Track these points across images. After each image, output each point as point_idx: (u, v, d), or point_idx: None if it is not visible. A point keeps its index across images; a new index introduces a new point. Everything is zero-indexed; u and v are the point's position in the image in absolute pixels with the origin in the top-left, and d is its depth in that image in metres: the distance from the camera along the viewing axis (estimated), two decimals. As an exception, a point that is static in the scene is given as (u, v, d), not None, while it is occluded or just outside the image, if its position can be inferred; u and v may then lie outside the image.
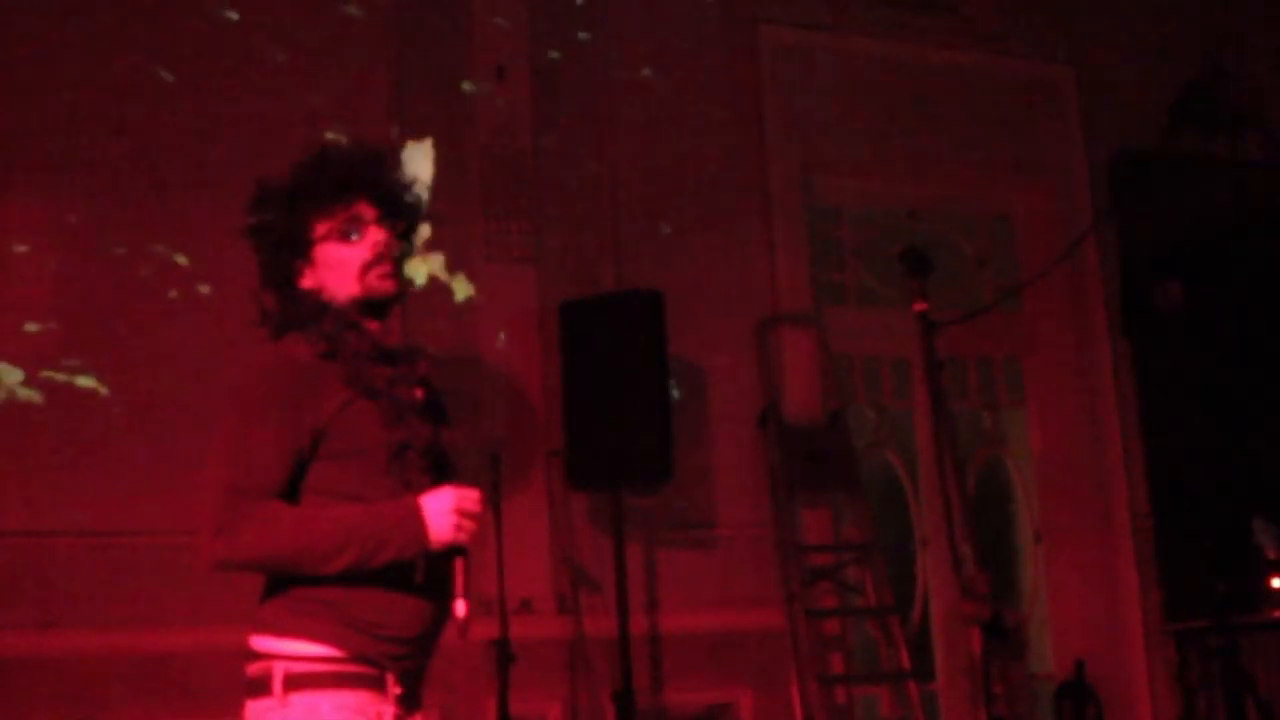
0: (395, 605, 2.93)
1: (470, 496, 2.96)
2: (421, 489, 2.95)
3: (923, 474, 7.14)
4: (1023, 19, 7.53)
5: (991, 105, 7.41)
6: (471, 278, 6.17)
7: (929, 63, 7.30)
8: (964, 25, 7.42)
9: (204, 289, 5.67)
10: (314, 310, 3.05)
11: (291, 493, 2.92)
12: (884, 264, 7.17)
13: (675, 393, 6.17)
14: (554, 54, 6.53)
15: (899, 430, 7.24)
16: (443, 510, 2.91)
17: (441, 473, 3.03)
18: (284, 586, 2.93)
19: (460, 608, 2.95)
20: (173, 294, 5.62)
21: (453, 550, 2.93)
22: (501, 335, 6.16)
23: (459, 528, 2.92)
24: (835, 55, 7.13)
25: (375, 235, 3.09)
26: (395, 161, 3.20)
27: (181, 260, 5.69)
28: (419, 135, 6.18)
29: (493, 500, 5.51)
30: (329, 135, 3.21)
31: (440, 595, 2.97)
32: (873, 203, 7.37)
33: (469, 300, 6.14)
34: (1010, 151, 7.44)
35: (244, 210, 3.14)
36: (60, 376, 5.52)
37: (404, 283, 3.16)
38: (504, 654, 5.41)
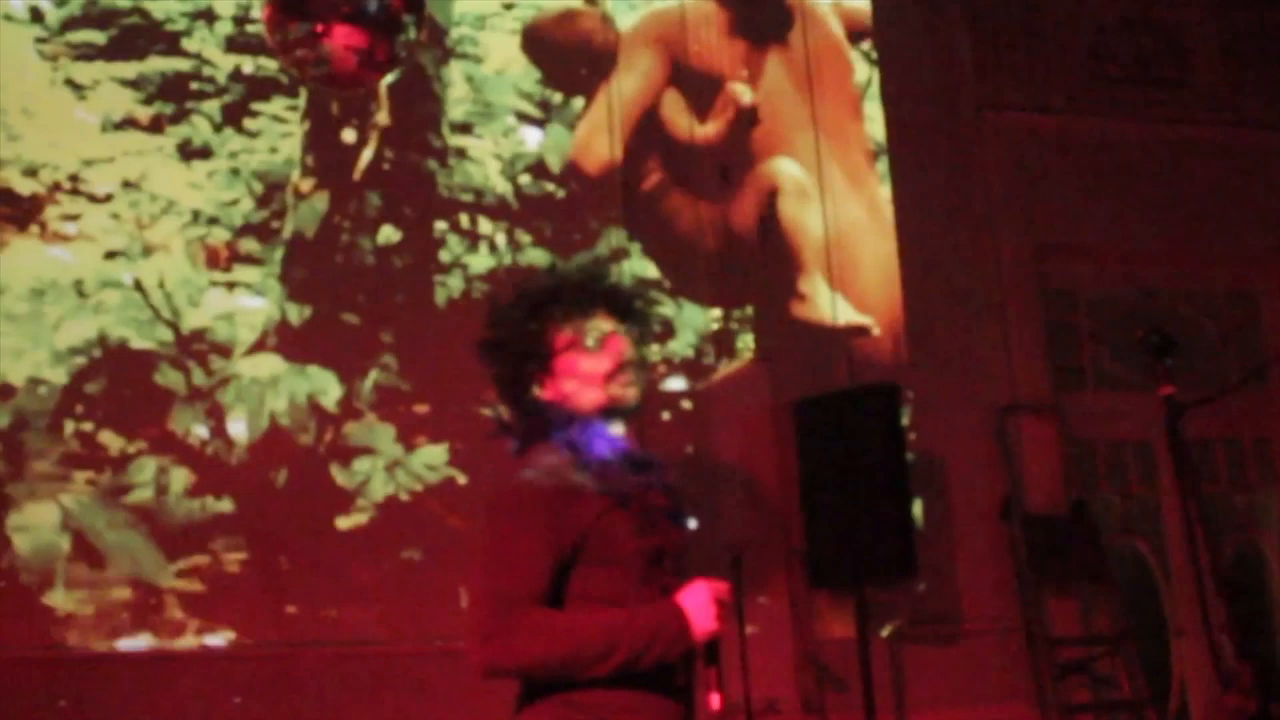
0: (653, 707, 2.93)
1: (721, 587, 2.97)
2: (675, 592, 2.97)
3: (1173, 560, 6.91)
4: (1255, 87, 7.34)
5: (1228, 178, 7.22)
6: (704, 378, 6.20)
7: (1160, 138, 7.16)
8: (1194, 98, 7.26)
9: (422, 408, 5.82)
10: (561, 420, 3.08)
11: (554, 600, 2.94)
12: (1123, 346, 7.00)
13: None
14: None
15: (1146, 516, 7.04)
16: (702, 604, 2.92)
17: (684, 575, 3.04)
18: (542, 693, 2.94)
19: (715, 701, 2.96)
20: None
21: (711, 645, 2.94)
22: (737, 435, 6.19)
23: (719, 618, 2.93)
24: (1063, 136, 7.05)
25: (616, 345, 3.12)
26: (618, 272, 3.26)
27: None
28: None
29: (736, 602, 5.49)
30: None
31: (690, 698, 2.99)
32: (1108, 284, 7.23)
33: (703, 400, 6.17)
34: (1250, 224, 7.23)
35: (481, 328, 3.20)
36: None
37: (643, 390, 3.19)
38: (754, 757, 5.36)
